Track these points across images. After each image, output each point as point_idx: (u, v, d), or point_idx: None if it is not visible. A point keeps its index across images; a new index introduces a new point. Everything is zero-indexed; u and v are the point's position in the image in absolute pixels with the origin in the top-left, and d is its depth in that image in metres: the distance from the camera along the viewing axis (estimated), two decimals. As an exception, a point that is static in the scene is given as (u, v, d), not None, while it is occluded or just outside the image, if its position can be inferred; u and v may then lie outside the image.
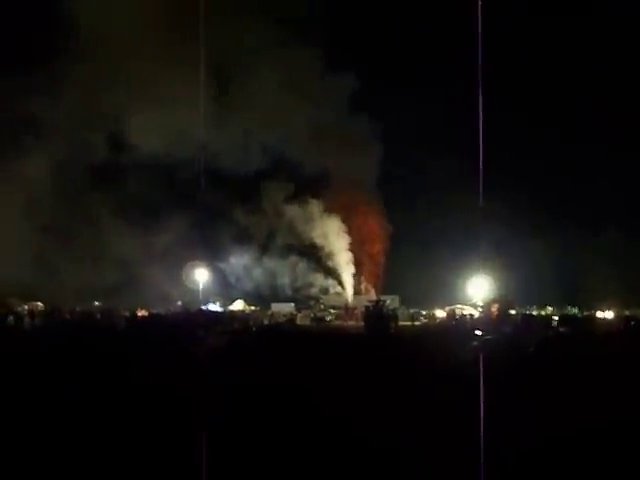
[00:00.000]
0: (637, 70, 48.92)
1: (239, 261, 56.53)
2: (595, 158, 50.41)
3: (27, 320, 39.92)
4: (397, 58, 51.45)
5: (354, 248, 59.18)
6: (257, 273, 57.22)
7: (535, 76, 51.14)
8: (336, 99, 55.29)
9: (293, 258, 58.40)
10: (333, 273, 59.10)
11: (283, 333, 36.01)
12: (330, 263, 59.02)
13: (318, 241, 59.13)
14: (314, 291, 58.46)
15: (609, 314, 47.94)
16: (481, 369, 14.33)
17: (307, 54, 53.78)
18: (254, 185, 56.74)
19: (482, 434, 9.60)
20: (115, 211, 52.72)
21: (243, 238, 56.53)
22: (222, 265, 54.90)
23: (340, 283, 59.08)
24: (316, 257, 58.94)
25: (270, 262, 57.51)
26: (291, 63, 53.87)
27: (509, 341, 28.73)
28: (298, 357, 20.29)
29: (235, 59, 52.59)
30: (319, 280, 58.68)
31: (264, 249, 57.80)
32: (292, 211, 59.04)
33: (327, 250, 59.16)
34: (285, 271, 57.98)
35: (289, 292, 57.41)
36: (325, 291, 58.76)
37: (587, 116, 51.21)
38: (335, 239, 58.90)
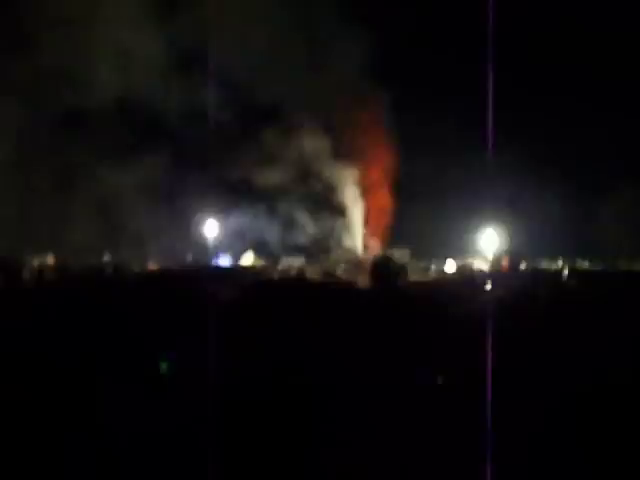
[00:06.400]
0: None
1: (246, 211, 53.65)
2: (611, 108, 49.23)
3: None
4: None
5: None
6: (265, 224, 53.30)
7: (552, 29, 49.56)
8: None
9: (302, 206, 54.47)
10: (342, 220, 57.12)
11: (291, 288, 35.83)
12: (339, 211, 56.11)
13: (327, 186, 55.14)
14: (324, 243, 56.38)
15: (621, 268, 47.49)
16: (490, 326, 14.26)
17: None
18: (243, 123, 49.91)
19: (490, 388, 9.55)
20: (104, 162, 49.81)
21: (247, 185, 51.85)
22: (230, 216, 52.25)
23: (349, 232, 57.05)
24: (325, 204, 55.43)
25: (278, 211, 54.61)
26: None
27: (518, 296, 28.67)
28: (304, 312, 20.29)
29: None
30: (328, 229, 56.60)
31: (267, 198, 53.20)
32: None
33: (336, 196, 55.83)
34: (293, 221, 54.65)
35: (299, 243, 55.22)
36: (335, 243, 56.72)
37: (604, 66, 49.82)
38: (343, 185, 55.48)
